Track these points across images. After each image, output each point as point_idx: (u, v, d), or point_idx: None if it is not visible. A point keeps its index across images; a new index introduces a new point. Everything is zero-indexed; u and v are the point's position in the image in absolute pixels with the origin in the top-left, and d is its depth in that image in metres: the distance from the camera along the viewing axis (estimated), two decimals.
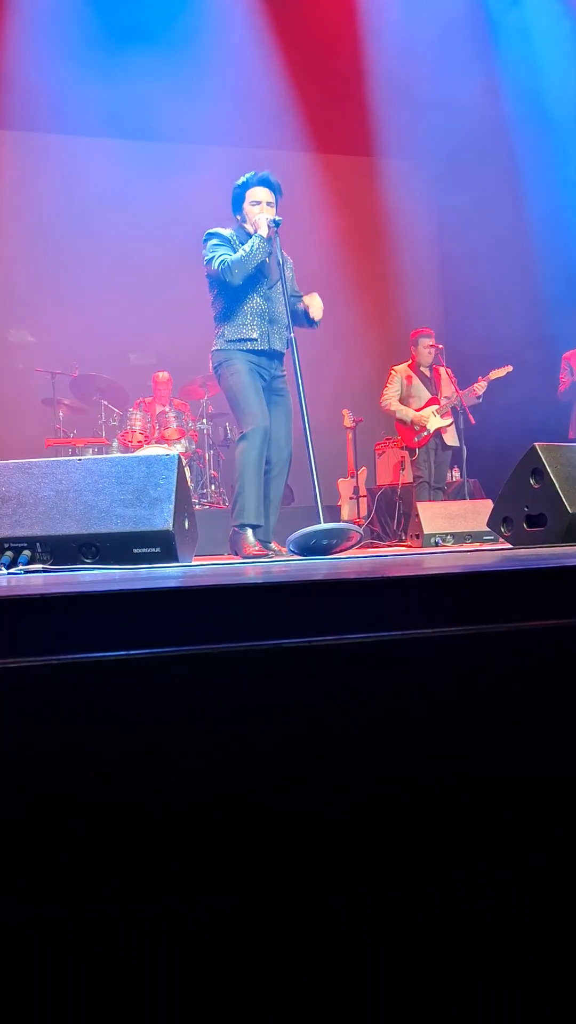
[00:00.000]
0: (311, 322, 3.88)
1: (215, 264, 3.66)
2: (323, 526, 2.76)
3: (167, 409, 6.58)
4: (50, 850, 0.86)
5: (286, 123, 7.64)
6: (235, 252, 3.66)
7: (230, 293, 3.73)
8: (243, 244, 3.69)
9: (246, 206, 3.79)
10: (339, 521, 5.50)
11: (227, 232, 3.78)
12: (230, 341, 3.74)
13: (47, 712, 0.88)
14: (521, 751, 1.00)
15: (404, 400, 6.25)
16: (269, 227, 3.64)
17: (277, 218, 3.69)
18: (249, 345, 3.73)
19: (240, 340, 3.73)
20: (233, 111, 7.28)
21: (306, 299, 3.85)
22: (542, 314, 6.75)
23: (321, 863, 0.93)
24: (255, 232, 3.66)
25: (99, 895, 0.87)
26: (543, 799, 1.00)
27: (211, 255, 3.70)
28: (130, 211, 7.55)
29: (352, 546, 2.85)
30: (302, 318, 3.87)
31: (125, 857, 0.88)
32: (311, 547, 2.73)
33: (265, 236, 3.62)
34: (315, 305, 3.83)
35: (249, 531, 3.58)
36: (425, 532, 4.57)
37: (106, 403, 6.77)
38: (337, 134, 7.94)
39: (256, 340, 3.72)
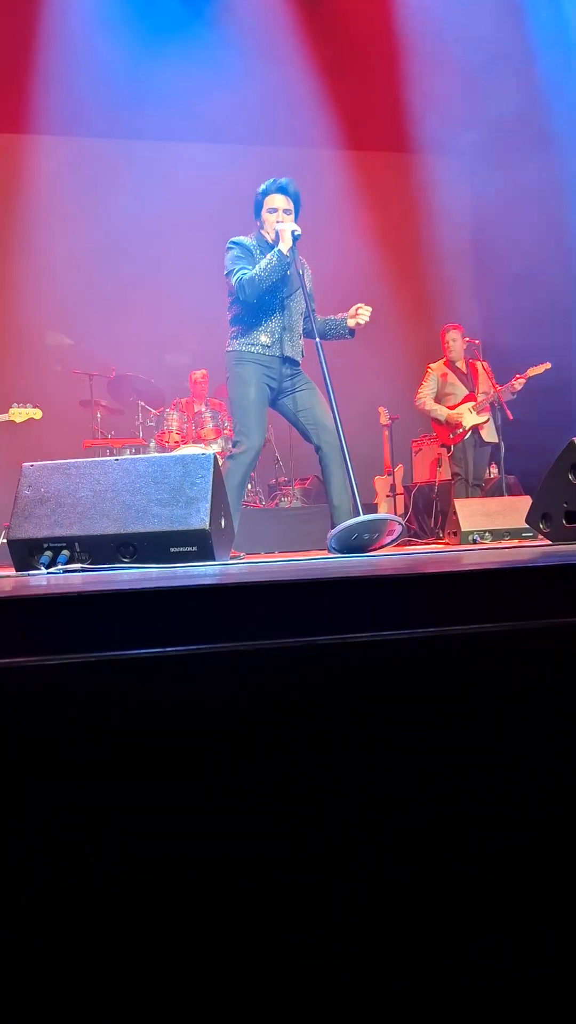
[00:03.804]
0: (347, 332, 3.90)
1: (233, 280, 3.70)
2: (363, 518, 2.73)
3: (203, 409, 6.60)
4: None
5: (320, 121, 7.62)
6: (254, 264, 3.67)
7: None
8: (263, 252, 3.69)
9: (264, 213, 3.79)
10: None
11: (248, 241, 3.79)
12: (243, 345, 3.75)
13: (89, 708, 0.89)
14: (557, 747, 0.99)
15: (440, 397, 6.20)
16: (291, 240, 3.60)
17: (298, 231, 3.64)
18: (261, 350, 3.72)
19: (253, 344, 3.73)
20: (267, 110, 7.26)
21: (354, 315, 3.86)
22: None
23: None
24: (276, 245, 3.63)
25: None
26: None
27: (231, 268, 3.73)
28: (164, 212, 7.59)
29: (393, 540, 2.80)
30: (336, 330, 3.88)
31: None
32: (352, 543, 2.70)
33: (287, 251, 3.59)
34: (363, 314, 3.85)
35: None
36: (463, 529, 4.52)
37: (143, 404, 6.82)
38: (370, 130, 7.90)
39: (269, 346, 3.72)
